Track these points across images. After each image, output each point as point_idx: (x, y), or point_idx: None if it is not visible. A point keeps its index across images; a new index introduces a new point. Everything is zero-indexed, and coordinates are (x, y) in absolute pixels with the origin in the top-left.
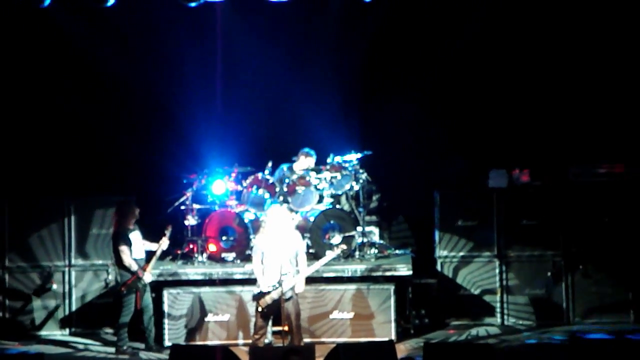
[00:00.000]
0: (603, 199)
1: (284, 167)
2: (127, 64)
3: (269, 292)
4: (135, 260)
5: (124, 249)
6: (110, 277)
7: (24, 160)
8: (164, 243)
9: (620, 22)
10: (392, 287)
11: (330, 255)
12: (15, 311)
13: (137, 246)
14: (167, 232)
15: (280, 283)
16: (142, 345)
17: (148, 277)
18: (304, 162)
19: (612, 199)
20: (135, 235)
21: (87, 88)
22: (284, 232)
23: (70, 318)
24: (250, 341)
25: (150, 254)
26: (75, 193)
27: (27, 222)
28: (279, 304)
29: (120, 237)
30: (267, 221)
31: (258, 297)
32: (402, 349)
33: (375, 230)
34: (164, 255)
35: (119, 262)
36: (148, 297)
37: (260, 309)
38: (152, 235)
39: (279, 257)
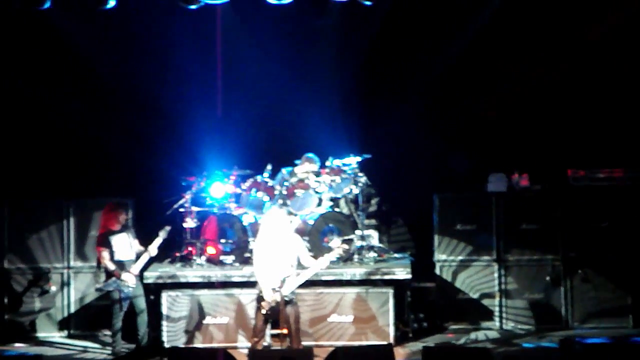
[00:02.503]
0: (602, 203)
1: (285, 170)
2: (128, 66)
3: (270, 295)
4: (119, 262)
5: (100, 250)
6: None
7: (24, 162)
8: (152, 248)
9: (620, 26)
10: (390, 291)
11: (329, 256)
12: (14, 313)
13: (122, 248)
14: (162, 233)
15: (281, 286)
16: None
17: (129, 278)
18: (307, 167)
19: (612, 204)
20: (121, 238)
21: (87, 90)
22: (283, 235)
23: (69, 320)
24: (248, 344)
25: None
26: (74, 195)
27: (26, 223)
28: (280, 306)
29: (100, 239)
30: (265, 224)
31: (260, 299)
32: (400, 352)
33: (374, 233)
34: (163, 257)
35: (98, 264)
36: (141, 301)
37: (263, 312)
38: (150, 237)
39: (280, 260)
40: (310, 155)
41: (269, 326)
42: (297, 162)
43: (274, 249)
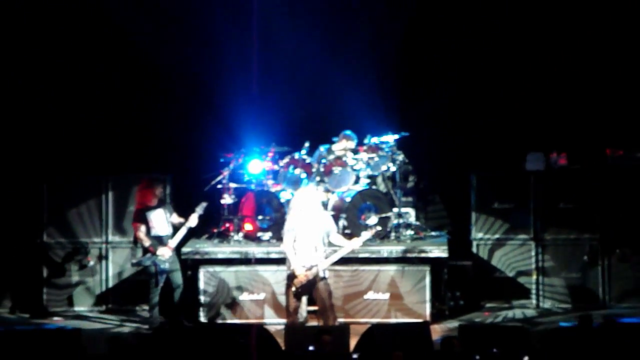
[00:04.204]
0: None
1: (322, 147)
2: (166, 43)
3: (302, 273)
4: (156, 237)
5: (136, 225)
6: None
7: (64, 137)
8: (191, 220)
9: None
10: (427, 269)
11: (365, 235)
12: (53, 286)
13: (159, 223)
14: (198, 209)
15: (315, 263)
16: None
17: (166, 252)
18: (344, 144)
19: None
20: (158, 213)
21: (126, 67)
22: (314, 212)
23: (107, 294)
24: (284, 320)
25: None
26: (113, 171)
27: (65, 198)
28: (313, 283)
29: (136, 215)
30: (296, 202)
31: (291, 277)
32: (436, 330)
33: (411, 211)
34: (200, 233)
35: (134, 239)
36: (178, 276)
37: (294, 289)
38: (187, 214)
39: (312, 237)
40: (348, 132)
41: (305, 302)
42: (334, 139)
43: (305, 226)
